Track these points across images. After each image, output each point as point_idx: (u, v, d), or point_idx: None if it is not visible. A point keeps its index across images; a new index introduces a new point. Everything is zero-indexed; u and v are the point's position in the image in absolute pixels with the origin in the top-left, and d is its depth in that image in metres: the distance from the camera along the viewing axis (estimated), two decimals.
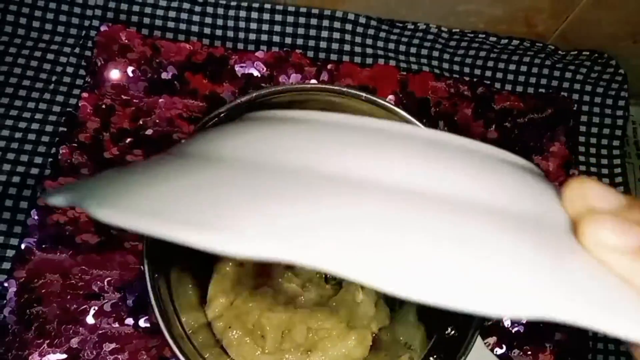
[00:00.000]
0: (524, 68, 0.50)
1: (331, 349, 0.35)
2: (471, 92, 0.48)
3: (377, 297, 0.37)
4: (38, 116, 0.44)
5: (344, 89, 0.32)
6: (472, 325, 0.29)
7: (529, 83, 0.50)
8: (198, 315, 0.34)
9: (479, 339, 0.29)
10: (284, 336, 0.34)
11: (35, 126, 0.44)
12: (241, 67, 0.47)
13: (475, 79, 0.49)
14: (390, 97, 0.47)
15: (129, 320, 0.38)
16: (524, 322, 0.42)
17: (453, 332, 0.30)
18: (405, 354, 0.33)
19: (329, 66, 0.47)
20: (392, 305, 0.38)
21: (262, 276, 0.36)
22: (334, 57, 0.48)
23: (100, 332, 0.38)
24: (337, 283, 0.38)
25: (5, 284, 0.38)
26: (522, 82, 0.50)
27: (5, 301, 0.38)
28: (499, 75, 0.50)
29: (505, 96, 0.49)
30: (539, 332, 0.42)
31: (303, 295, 0.36)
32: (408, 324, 0.36)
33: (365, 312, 0.36)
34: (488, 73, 0.50)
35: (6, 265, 0.39)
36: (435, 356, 0.30)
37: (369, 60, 0.48)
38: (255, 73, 0.47)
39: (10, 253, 0.39)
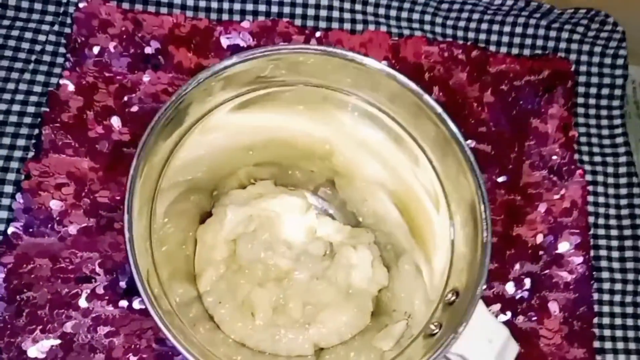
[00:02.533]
0: (519, 29, 0.48)
1: (331, 320, 0.34)
2: (465, 56, 0.47)
3: (373, 256, 0.36)
4: (19, 97, 0.42)
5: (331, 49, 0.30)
6: (473, 289, 0.28)
7: (524, 45, 0.48)
8: (190, 288, 0.33)
9: (481, 304, 0.28)
10: (279, 312, 0.33)
11: (16, 108, 0.42)
12: (227, 38, 0.45)
13: (469, 42, 0.48)
14: (383, 63, 0.46)
15: (123, 303, 0.37)
16: (528, 287, 0.41)
17: (454, 297, 0.29)
18: (403, 319, 0.32)
19: (317, 34, 0.46)
20: (389, 263, 0.37)
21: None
22: (322, 24, 0.46)
23: (93, 315, 0.37)
24: (331, 252, 0.37)
25: None
26: (517, 44, 0.48)
27: None
28: (494, 37, 0.48)
29: (501, 58, 0.47)
30: (543, 297, 0.41)
31: (297, 269, 0.34)
32: (407, 276, 0.34)
33: (362, 275, 0.35)
34: (482, 36, 0.48)
35: None
36: (435, 323, 0.29)
37: (359, 27, 0.47)
38: (242, 44, 0.45)
39: None
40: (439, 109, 0.31)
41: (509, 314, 0.41)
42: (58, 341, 0.36)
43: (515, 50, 0.48)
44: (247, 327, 0.33)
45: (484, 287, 0.28)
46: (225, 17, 0.46)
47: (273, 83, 0.32)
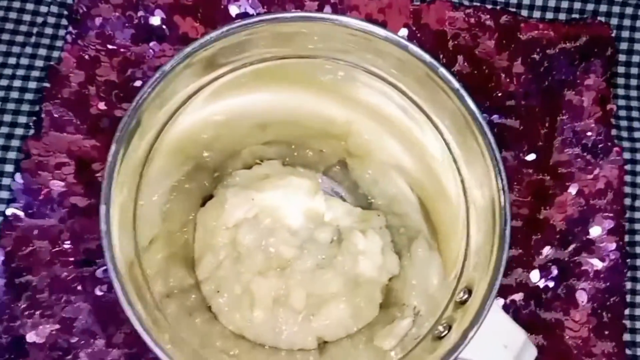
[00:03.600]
0: None
1: (336, 312, 0.32)
2: (494, 22, 0.43)
3: (383, 242, 0.34)
4: (20, 72, 0.41)
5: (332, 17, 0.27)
6: (488, 288, 0.25)
7: (560, 8, 0.44)
8: (188, 274, 0.32)
9: (497, 304, 0.25)
10: (280, 303, 0.31)
11: (17, 83, 0.41)
12: (235, 6, 0.42)
13: (498, 7, 0.44)
14: (403, 31, 0.42)
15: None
16: (555, 275, 0.38)
17: (466, 295, 0.27)
18: (410, 316, 0.29)
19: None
20: (400, 250, 0.35)
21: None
22: None
23: (93, 300, 0.36)
24: (339, 239, 0.35)
25: None
26: (552, 8, 0.44)
27: None
28: (526, 0, 0.44)
29: (532, 25, 0.43)
30: (571, 286, 0.38)
31: (301, 257, 0.32)
32: (420, 262, 0.32)
33: (371, 263, 0.33)
34: None
35: None
36: (444, 324, 0.27)
37: None
38: (251, 11, 0.42)
39: None
40: (456, 84, 0.28)
41: (532, 303, 0.38)
42: (57, 326, 0.35)
43: (549, 15, 0.44)
44: (246, 318, 0.31)
45: (499, 285, 0.25)
46: None
47: (270, 56, 0.29)
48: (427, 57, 0.28)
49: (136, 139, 0.26)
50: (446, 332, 0.26)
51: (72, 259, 0.36)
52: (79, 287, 0.36)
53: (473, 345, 0.24)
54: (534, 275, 0.38)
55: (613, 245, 0.39)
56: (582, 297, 0.38)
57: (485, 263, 0.26)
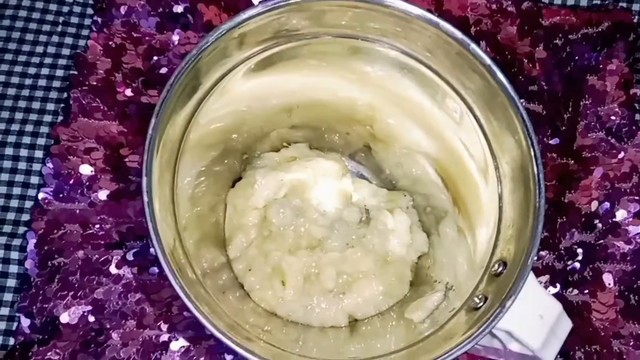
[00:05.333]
0: None
1: (367, 290, 0.32)
2: (516, 8, 0.43)
3: (411, 221, 0.34)
4: (47, 60, 0.42)
5: None
6: (524, 260, 0.25)
7: None
8: (220, 254, 0.32)
9: (532, 276, 0.25)
10: (311, 281, 0.32)
11: (45, 71, 0.41)
12: None
13: None
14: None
15: (153, 269, 0.36)
16: (581, 258, 0.38)
17: (501, 268, 0.27)
18: (442, 289, 0.29)
19: None
20: (429, 229, 0.35)
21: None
22: None
23: (124, 282, 0.36)
24: (367, 219, 0.35)
25: (26, 236, 0.37)
26: None
27: (26, 254, 0.36)
28: None
29: (555, 10, 0.43)
30: (597, 269, 0.38)
31: (331, 237, 0.32)
32: (449, 242, 0.32)
33: (400, 241, 0.33)
34: None
35: (25, 217, 0.37)
36: (480, 296, 0.27)
37: None
38: None
39: (28, 204, 0.38)
40: (488, 60, 0.28)
41: (558, 286, 0.38)
42: (89, 307, 0.35)
43: (570, 1, 0.44)
44: (277, 296, 0.31)
45: (535, 257, 0.25)
46: None
47: (295, 36, 0.30)
48: (459, 34, 0.28)
49: (174, 115, 0.26)
50: (482, 303, 0.26)
51: (102, 242, 0.36)
52: (110, 270, 0.36)
53: (510, 315, 0.24)
54: (560, 258, 0.38)
55: (639, 228, 0.39)
56: (608, 279, 0.38)
57: (519, 236, 0.26)
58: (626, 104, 0.42)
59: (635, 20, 0.44)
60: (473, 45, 0.28)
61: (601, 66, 0.42)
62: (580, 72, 0.42)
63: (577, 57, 0.43)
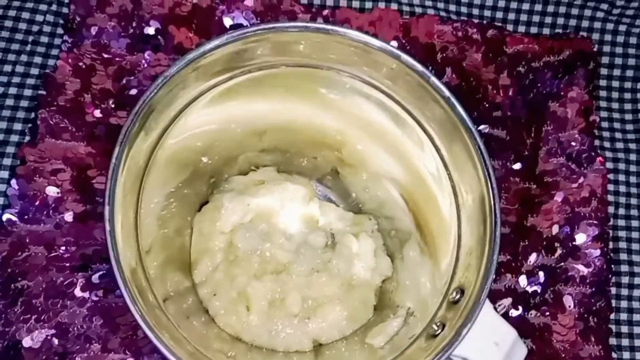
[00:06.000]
0: (538, 7, 0.46)
1: (332, 314, 0.32)
2: (481, 36, 0.44)
3: (376, 245, 0.34)
4: (16, 80, 0.41)
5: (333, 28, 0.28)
6: (480, 288, 0.26)
7: (544, 23, 0.46)
8: (185, 278, 0.32)
9: (488, 304, 0.26)
10: (276, 306, 0.32)
11: (13, 90, 0.41)
12: (230, 17, 0.43)
13: (485, 21, 0.45)
14: (393, 43, 0.44)
15: (119, 292, 0.36)
16: (542, 281, 0.39)
17: (458, 295, 0.27)
18: (402, 315, 0.30)
19: (324, 12, 0.44)
20: (393, 253, 0.35)
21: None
22: (330, 1, 0.44)
23: (89, 305, 0.36)
24: (332, 243, 0.35)
25: None
26: (536, 23, 0.46)
27: None
28: (511, 16, 0.46)
29: (518, 38, 0.45)
30: (558, 291, 0.39)
31: (296, 262, 0.33)
32: (412, 264, 0.33)
33: (365, 265, 0.33)
34: (499, 14, 0.46)
35: None
36: (438, 323, 0.27)
37: (368, 5, 0.45)
38: (245, 23, 0.43)
39: None
40: (447, 92, 0.29)
41: (520, 308, 0.39)
42: (53, 331, 0.35)
43: (534, 30, 0.46)
44: (242, 321, 0.31)
45: (490, 286, 0.26)
46: None
47: (268, 65, 0.30)
48: (419, 67, 0.29)
49: (139, 142, 0.26)
50: (440, 330, 0.27)
51: (67, 264, 0.36)
52: (75, 293, 0.36)
53: (466, 343, 0.25)
54: (522, 281, 0.39)
55: (598, 252, 0.40)
56: (569, 301, 0.39)
57: (477, 264, 0.27)
58: (586, 130, 0.43)
59: (595, 49, 0.45)
60: (433, 78, 0.28)
61: (562, 93, 0.44)
62: (543, 98, 0.44)
63: (539, 84, 0.44)
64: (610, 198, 0.42)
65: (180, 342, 0.25)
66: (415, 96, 0.30)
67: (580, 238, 0.40)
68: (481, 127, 0.42)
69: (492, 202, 0.27)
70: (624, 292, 0.40)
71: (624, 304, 0.40)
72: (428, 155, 0.32)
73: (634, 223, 0.42)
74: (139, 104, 0.25)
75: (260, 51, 0.29)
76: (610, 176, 0.42)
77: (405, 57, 0.29)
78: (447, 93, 0.29)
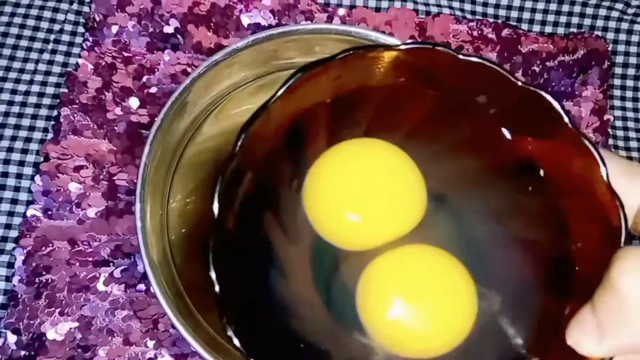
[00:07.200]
0: (553, 6, 0.46)
1: None
2: (496, 35, 0.45)
3: None
4: (38, 78, 0.42)
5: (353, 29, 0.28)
6: None
7: (559, 23, 0.46)
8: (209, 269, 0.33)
9: None
10: None
11: (35, 88, 0.42)
12: (248, 16, 0.44)
13: (500, 21, 0.46)
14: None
15: (141, 287, 0.37)
16: None
17: None
18: None
19: (340, 12, 0.44)
20: None
21: None
22: (346, 1, 0.45)
23: (111, 299, 0.37)
24: None
25: (13, 253, 0.37)
26: (551, 22, 0.46)
27: (13, 270, 0.37)
28: (526, 15, 0.46)
29: (533, 38, 0.45)
30: None
31: None
32: None
33: None
34: (514, 13, 0.46)
35: (13, 234, 0.38)
36: None
37: (384, 4, 0.45)
38: (263, 22, 0.44)
39: (17, 221, 0.38)
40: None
41: None
42: (76, 324, 0.36)
43: (548, 29, 0.46)
44: None
45: None
46: None
47: (289, 65, 0.31)
48: None
49: (168, 139, 0.27)
50: None
51: (90, 259, 0.37)
52: (97, 287, 0.37)
53: None
54: None
55: None
56: None
57: None
58: (600, 129, 0.43)
59: (609, 49, 0.46)
60: None
61: (576, 92, 0.44)
62: (557, 97, 0.44)
63: (553, 83, 0.44)
64: None
65: (204, 331, 0.26)
66: None
67: None
68: None
69: None
70: None
71: None
72: None
73: None
74: (169, 103, 0.26)
75: (288, 52, 0.29)
76: None
77: None
78: None
